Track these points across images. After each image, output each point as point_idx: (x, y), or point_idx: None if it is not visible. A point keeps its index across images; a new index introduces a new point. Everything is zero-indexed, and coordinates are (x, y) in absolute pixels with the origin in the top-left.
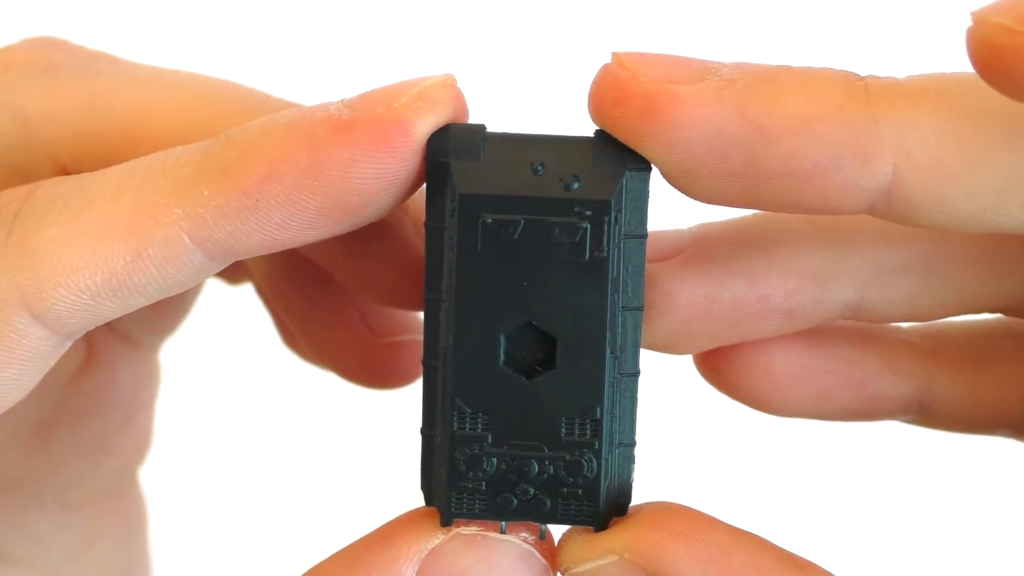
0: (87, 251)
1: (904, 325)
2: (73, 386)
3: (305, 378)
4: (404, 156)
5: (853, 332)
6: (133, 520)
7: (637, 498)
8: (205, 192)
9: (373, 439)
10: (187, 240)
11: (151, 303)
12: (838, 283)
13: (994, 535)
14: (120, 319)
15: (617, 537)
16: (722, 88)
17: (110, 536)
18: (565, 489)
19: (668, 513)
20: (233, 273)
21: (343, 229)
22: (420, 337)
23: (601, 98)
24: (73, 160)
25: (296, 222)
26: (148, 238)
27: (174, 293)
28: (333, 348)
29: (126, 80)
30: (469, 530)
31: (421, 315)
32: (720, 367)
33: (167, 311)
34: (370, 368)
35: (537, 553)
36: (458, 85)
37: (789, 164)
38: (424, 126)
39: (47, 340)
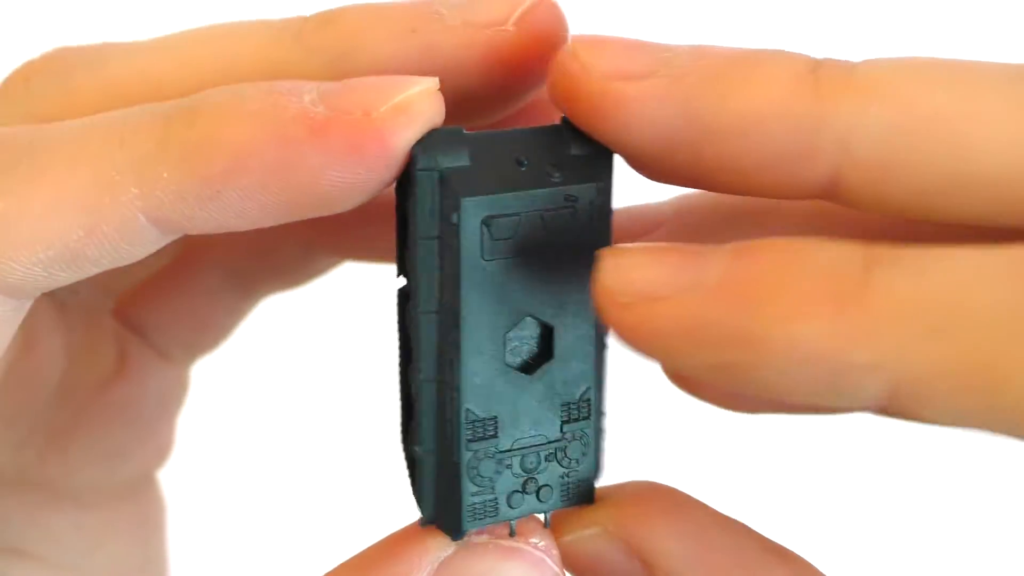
0: (39, 225)
1: None
2: (99, 396)
3: (318, 380)
4: (378, 167)
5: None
6: (149, 520)
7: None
8: (165, 175)
9: (382, 444)
10: (142, 219)
11: (104, 272)
12: None
13: (980, 527)
14: (162, 337)
15: (602, 511)
16: (669, 87)
17: (126, 535)
18: (566, 473)
19: (652, 491)
20: (300, 266)
21: (306, 218)
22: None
23: (555, 92)
24: None
25: (256, 213)
26: (103, 214)
27: (127, 263)
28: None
29: (133, 58)
30: (480, 539)
31: None
32: None
33: (209, 331)
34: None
35: (549, 560)
36: (438, 91)
37: (733, 162)
38: (402, 139)
39: (4, 305)
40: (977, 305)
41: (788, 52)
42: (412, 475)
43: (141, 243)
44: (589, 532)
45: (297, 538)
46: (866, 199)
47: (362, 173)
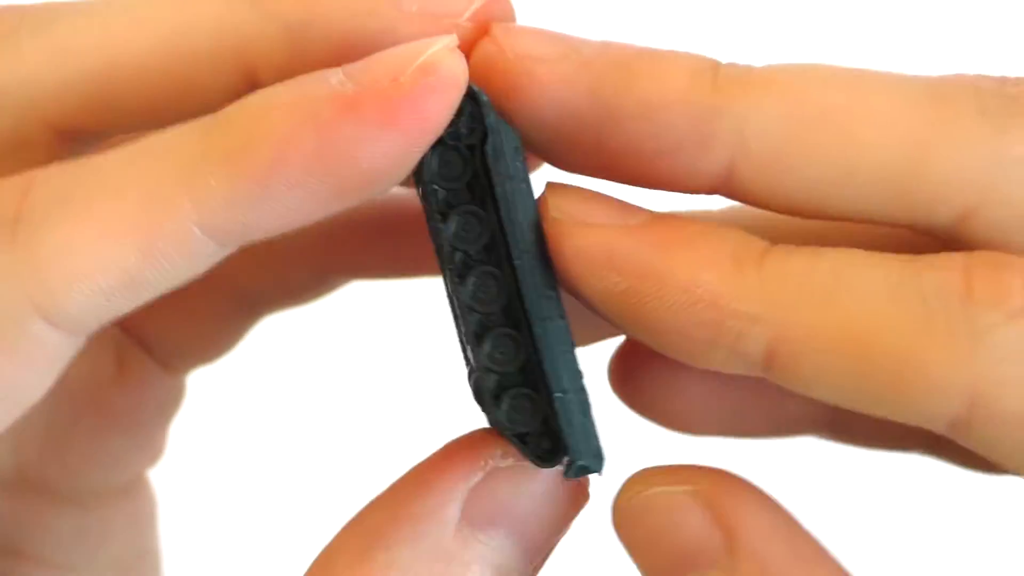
0: (96, 253)
1: None
2: (98, 402)
3: (305, 377)
4: (414, 133)
5: None
6: (143, 517)
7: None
8: (212, 183)
9: (370, 437)
10: (197, 232)
11: (162, 295)
12: None
13: (979, 527)
14: (163, 348)
15: (696, 472)
16: (578, 69)
17: (123, 534)
18: None
19: (735, 475)
20: (309, 286)
21: (355, 203)
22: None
23: (474, 73)
24: (62, 115)
25: (307, 205)
26: (157, 233)
27: (184, 282)
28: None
29: (82, 19)
30: (506, 462)
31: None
32: (632, 388)
33: (212, 346)
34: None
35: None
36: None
37: (633, 145)
38: (434, 101)
39: (63, 342)
40: (857, 284)
41: (693, 53)
42: (541, 429)
43: (198, 258)
44: (678, 490)
45: (283, 536)
46: (759, 192)
47: (400, 142)
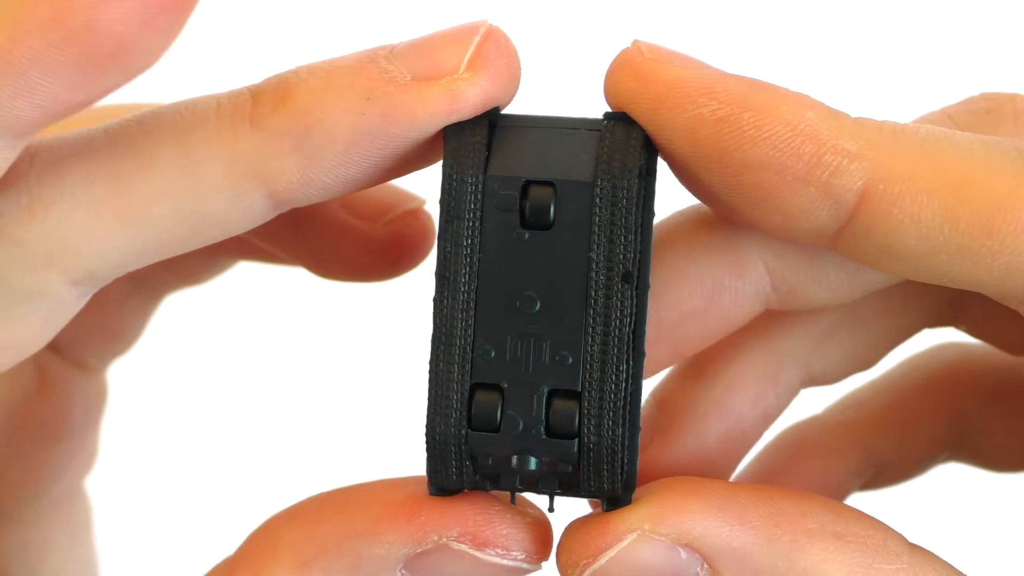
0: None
1: (822, 410)
2: (25, 415)
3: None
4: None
5: (790, 450)
6: (82, 524)
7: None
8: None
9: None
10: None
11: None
12: (787, 370)
13: (980, 527)
14: (75, 349)
15: (631, 513)
16: (720, 80)
17: (64, 543)
18: None
19: (669, 482)
20: (203, 268)
21: (112, 82)
22: (410, 207)
23: (615, 75)
24: (85, 274)
25: (54, 77)
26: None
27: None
28: (339, 260)
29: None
30: (459, 546)
31: (399, 188)
32: None
33: (121, 337)
34: (383, 257)
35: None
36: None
37: (756, 184)
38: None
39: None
40: (952, 135)
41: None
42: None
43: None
44: (626, 541)
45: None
46: (870, 247)
47: (136, 6)
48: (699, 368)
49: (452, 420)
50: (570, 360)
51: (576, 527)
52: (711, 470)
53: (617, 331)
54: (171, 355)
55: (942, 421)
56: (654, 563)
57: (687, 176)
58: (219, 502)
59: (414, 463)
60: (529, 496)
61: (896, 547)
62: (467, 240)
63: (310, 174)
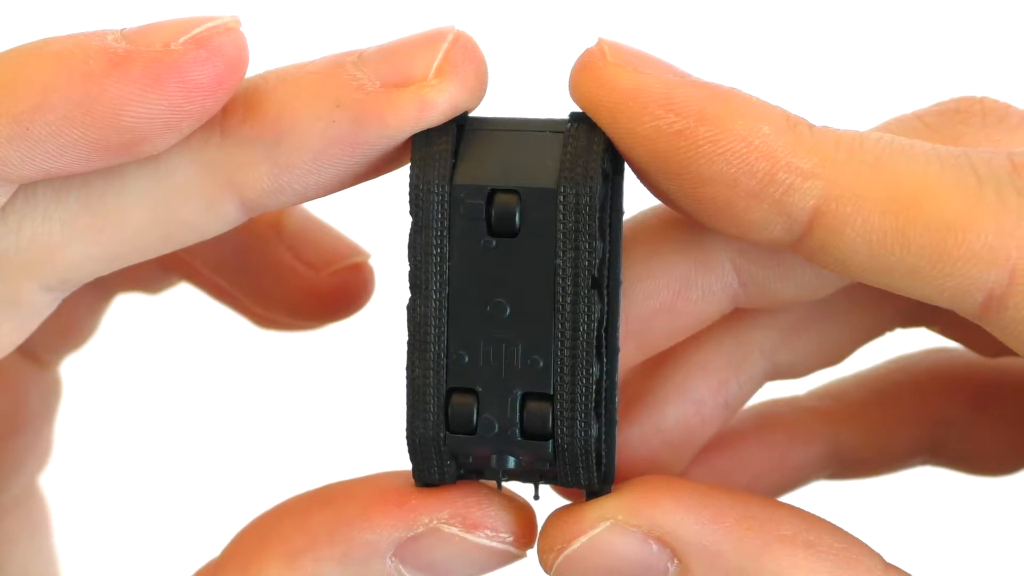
0: None
1: (803, 392)
2: None
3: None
4: (179, 100)
5: (758, 421)
6: (40, 522)
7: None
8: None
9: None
10: None
11: None
12: (752, 360)
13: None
14: (29, 344)
15: (605, 503)
16: (678, 84)
17: (24, 542)
18: None
19: (648, 478)
20: (157, 279)
21: (118, 162)
22: (355, 261)
23: (577, 76)
24: (59, 281)
25: (68, 153)
26: None
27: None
28: (280, 300)
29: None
30: (450, 529)
31: (347, 239)
32: None
33: (77, 331)
34: (322, 304)
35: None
36: (242, 29)
37: (721, 178)
38: (201, 72)
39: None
40: (908, 150)
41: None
42: (583, 461)
43: None
44: (598, 529)
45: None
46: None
47: (164, 106)
48: (663, 353)
49: (431, 423)
50: (541, 364)
51: (555, 516)
52: (667, 454)
53: (585, 335)
54: (169, 354)
55: (923, 424)
56: (625, 553)
57: (648, 181)
58: (202, 506)
59: (400, 464)
60: (515, 487)
61: (870, 563)
62: (436, 249)
63: (281, 181)
